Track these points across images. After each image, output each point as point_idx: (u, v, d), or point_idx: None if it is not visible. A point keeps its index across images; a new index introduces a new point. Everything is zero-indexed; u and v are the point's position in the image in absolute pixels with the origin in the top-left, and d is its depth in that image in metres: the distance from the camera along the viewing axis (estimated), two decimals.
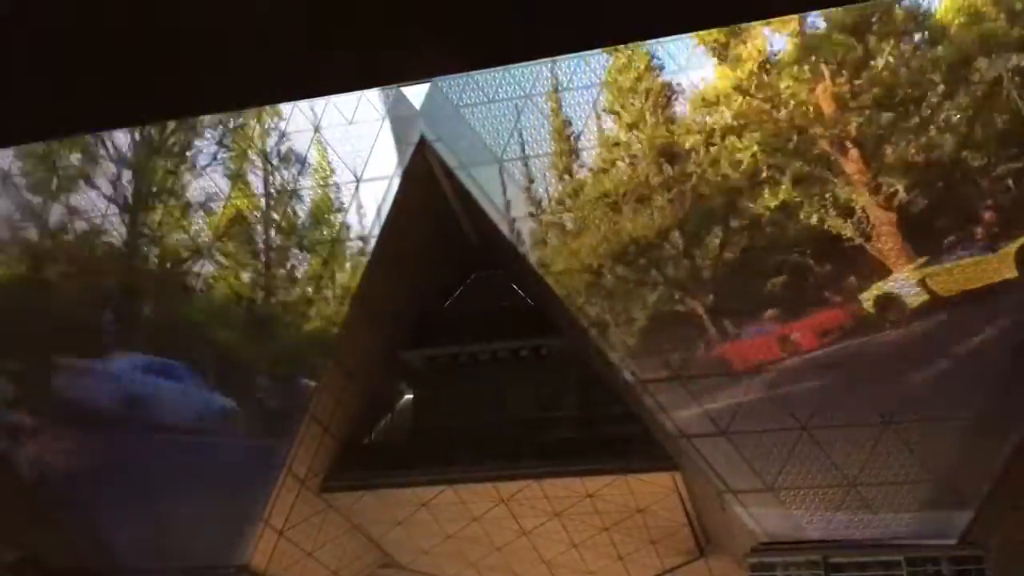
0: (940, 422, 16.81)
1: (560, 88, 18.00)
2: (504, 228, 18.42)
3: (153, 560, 21.15)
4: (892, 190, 16.08)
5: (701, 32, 15.95)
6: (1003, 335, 16.17)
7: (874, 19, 15.88)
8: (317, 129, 19.26)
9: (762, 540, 18.23)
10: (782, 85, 16.38)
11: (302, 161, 19.33)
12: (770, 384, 17.30)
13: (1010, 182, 15.59)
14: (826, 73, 16.16)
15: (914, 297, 16.38)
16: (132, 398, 20.42)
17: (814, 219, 16.50)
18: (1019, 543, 18.71)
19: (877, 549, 17.54)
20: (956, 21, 15.67)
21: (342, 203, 19.27)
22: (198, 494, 20.34)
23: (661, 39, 17.50)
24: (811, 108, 16.30)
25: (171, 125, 19.24)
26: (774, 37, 16.52)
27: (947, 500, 17.06)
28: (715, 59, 16.95)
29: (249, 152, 19.52)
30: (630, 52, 17.35)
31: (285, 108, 19.31)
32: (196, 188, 19.66)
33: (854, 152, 16.26)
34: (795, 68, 16.27)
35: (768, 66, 16.45)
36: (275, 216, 19.62)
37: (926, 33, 16.00)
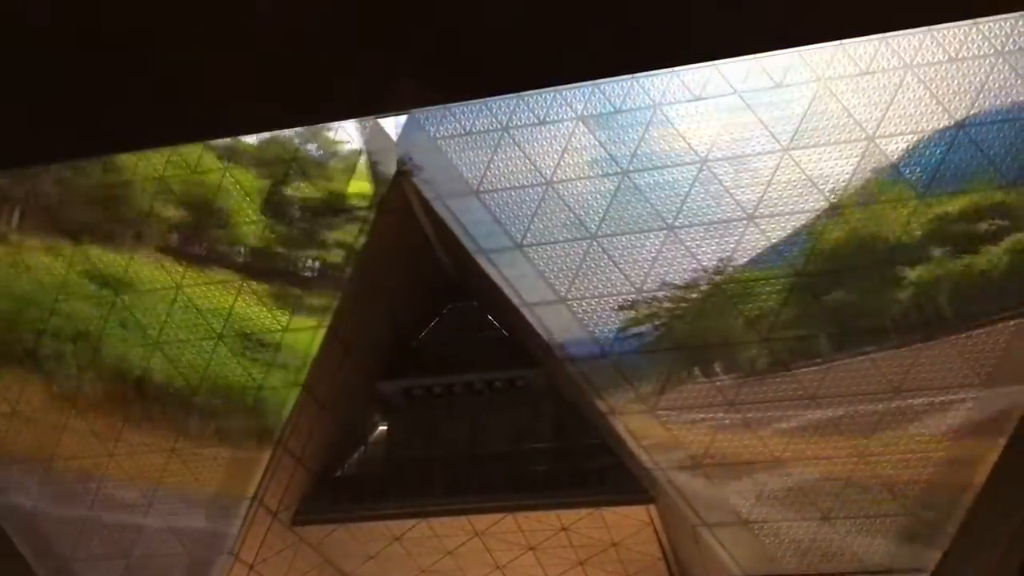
0: (911, 456, 16.94)
1: (538, 122, 18.16)
2: (480, 260, 18.45)
3: None
4: None
5: None
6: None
7: None
8: (295, 159, 19.26)
9: (736, 574, 18.19)
10: None
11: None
12: (743, 415, 17.35)
13: None
14: None
15: None
16: None
17: None
18: None
19: None
20: None
21: (319, 232, 19.21)
22: (168, 525, 20.08)
23: (637, 74, 17.86)
24: None
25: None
26: None
27: (919, 535, 17.13)
28: None
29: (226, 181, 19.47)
30: None
31: (264, 138, 19.33)
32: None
33: None
34: None
35: None
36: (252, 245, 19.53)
37: None
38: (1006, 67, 16.19)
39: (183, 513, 20.03)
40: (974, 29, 16.35)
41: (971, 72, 16.24)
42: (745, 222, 17.21)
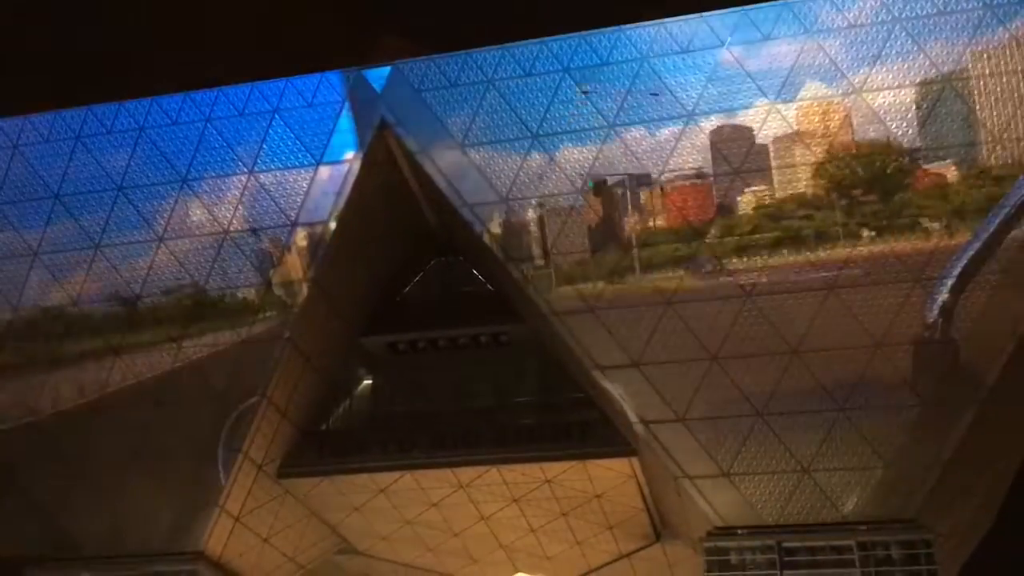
0: (890, 410, 17.15)
1: (524, 74, 17.94)
2: (464, 213, 18.36)
3: (109, 547, 20.94)
4: None
5: None
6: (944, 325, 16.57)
7: None
8: (276, 111, 18.99)
9: (717, 525, 18.48)
10: None
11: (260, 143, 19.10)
12: (727, 370, 17.47)
13: None
14: None
15: None
16: None
17: None
18: (966, 527, 19.17)
19: (830, 534, 17.87)
20: None
21: (301, 187, 19.03)
22: (154, 479, 20.18)
23: (624, 26, 17.61)
24: None
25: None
26: None
27: (898, 486, 17.43)
28: None
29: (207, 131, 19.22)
30: None
31: (243, 89, 19.02)
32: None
33: None
34: None
35: None
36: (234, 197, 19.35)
37: None
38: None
39: (169, 466, 20.15)
40: None
41: (959, 25, 16.09)
42: (731, 177, 17.19)
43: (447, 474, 21.36)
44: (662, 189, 17.61)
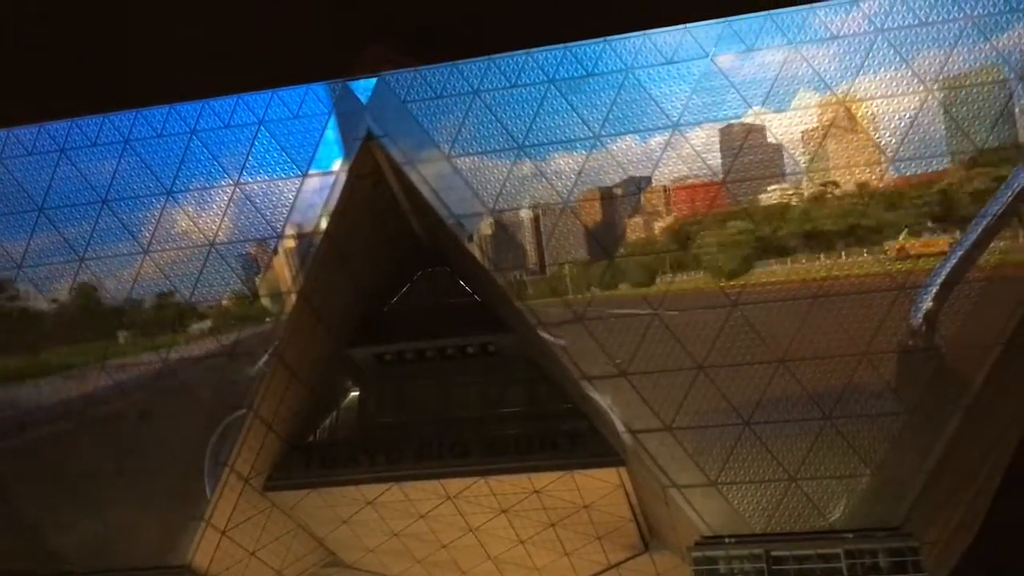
0: (876, 418, 17.22)
1: (509, 85, 17.98)
2: (451, 224, 18.37)
3: (95, 561, 20.76)
4: None
5: None
6: (928, 333, 16.68)
7: None
8: (262, 123, 18.96)
9: (705, 534, 18.48)
10: None
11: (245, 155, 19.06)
12: (714, 379, 17.52)
13: None
14: None
15: None
16: None
17: None
18: (953, 534, 19.24)
19: (817, 542, 17.90)
20: None
21: (288, 198, 19.00)
22: (139, 493, 20.04)
23: (609, 37, 17.69)
24: None
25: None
26: None
27: (885, 494, 17.49)
28: None
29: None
30: None
31: (229, 101, 18.98)
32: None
33: None
34: None
35: None
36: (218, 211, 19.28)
37: None
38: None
39: (155, 479, 20.01)
40: None
41: (940, 36, 16.26)
42: (717, 187, 17.26)
43: (435, 485, 21.30)
44: (651, 197, 17.68)
